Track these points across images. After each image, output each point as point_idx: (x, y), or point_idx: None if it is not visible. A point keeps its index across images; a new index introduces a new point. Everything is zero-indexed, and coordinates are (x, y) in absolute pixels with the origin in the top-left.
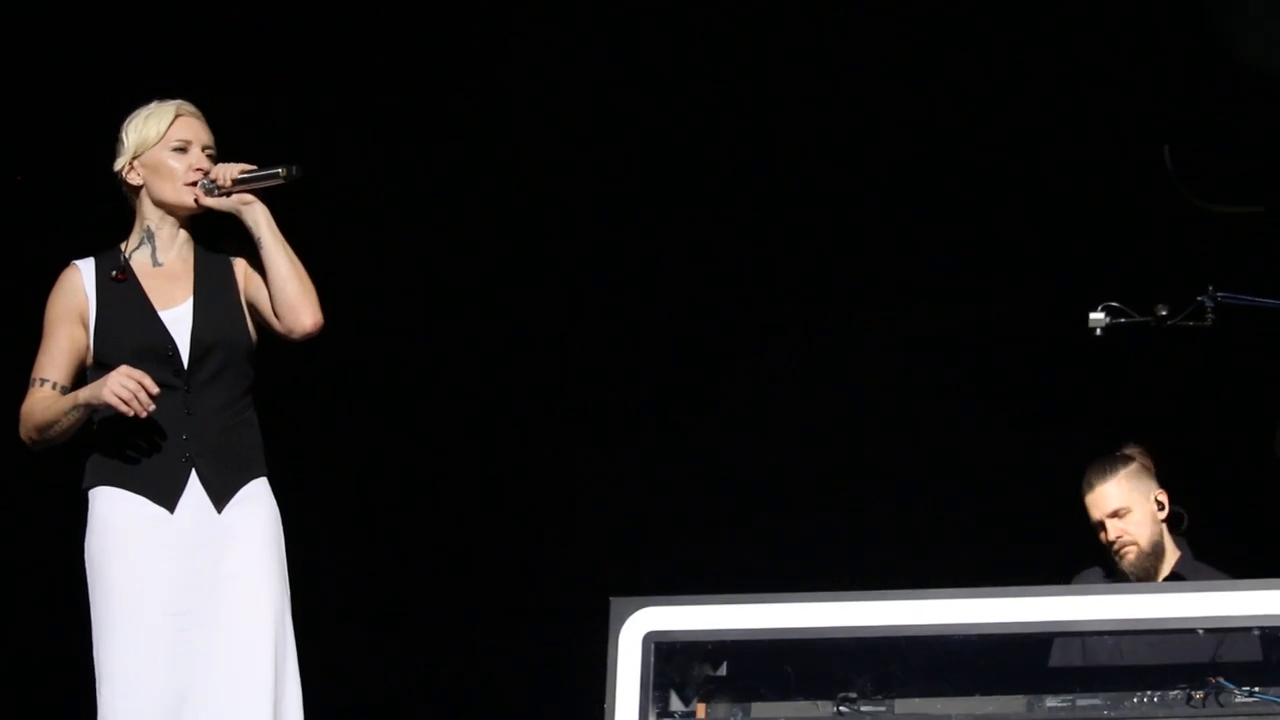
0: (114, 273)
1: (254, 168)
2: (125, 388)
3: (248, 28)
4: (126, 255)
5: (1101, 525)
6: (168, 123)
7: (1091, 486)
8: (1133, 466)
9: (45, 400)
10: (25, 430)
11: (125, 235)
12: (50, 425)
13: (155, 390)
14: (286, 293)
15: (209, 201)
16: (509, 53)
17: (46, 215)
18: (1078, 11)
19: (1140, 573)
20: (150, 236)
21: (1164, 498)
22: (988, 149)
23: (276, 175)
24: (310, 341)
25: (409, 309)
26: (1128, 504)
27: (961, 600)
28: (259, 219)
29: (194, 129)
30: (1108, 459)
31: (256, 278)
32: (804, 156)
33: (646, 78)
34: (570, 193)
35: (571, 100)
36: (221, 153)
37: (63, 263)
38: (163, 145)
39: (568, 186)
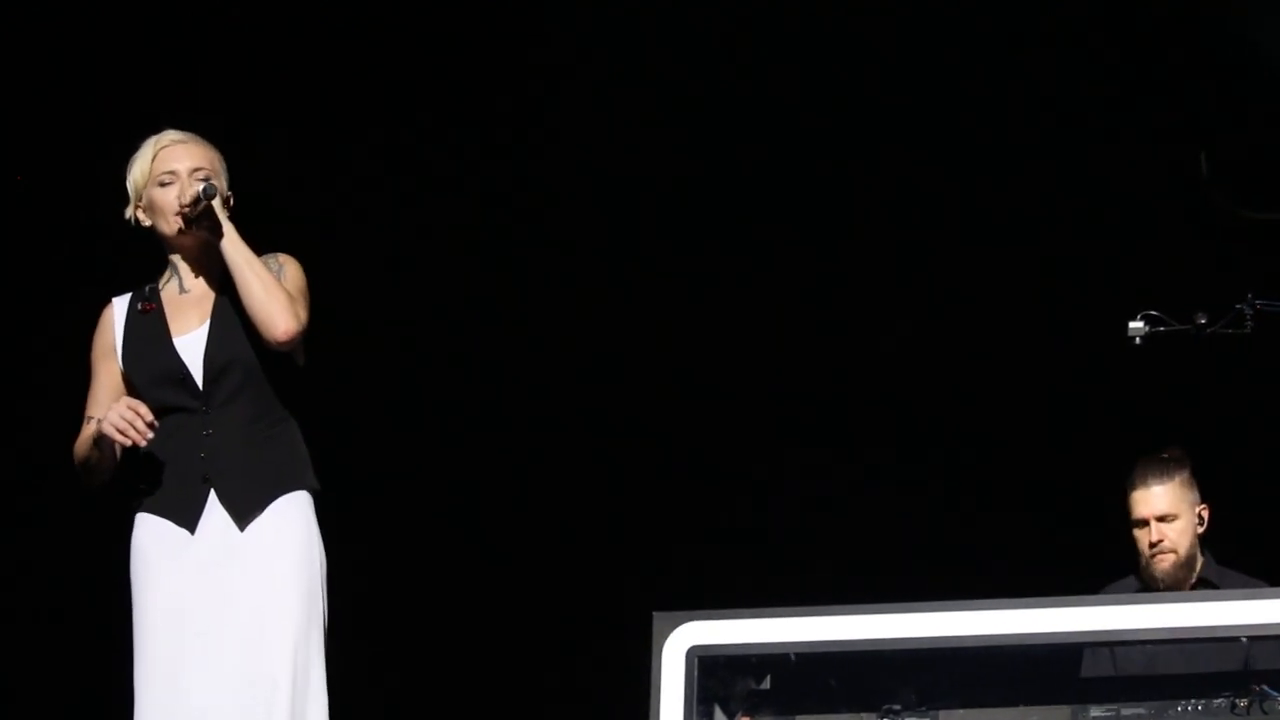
0: (140, 305)
1: (193, 196)
2: (122, 418)
3: (250, 34)
4: (159, 287)
5: (1144, 524)
6: (149, 160)
7: (1146, 485)
8: (1186, 474)
9: (82, 435)
10: (75, 467)
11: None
12: (86, 460)
13: (150, 418)
14: (254, 307)
15: (190, 232)
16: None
17: (45, 216)
18: (1111, 18)
19: (1171, 581)
20: (174, 268)
21: (1206, 514)
22: (1026, 159)
23: (199, 200)
24: (355, 355)
25: (450, 324)
26: (1176, 511)
27: (1004, 611)
28: (225, 239)
29: (176, 156)
30: (1163, 461)
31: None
32: (851, 155)
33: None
34: (617, 207)
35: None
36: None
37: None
38: (152, 183)
39: (621, 201)
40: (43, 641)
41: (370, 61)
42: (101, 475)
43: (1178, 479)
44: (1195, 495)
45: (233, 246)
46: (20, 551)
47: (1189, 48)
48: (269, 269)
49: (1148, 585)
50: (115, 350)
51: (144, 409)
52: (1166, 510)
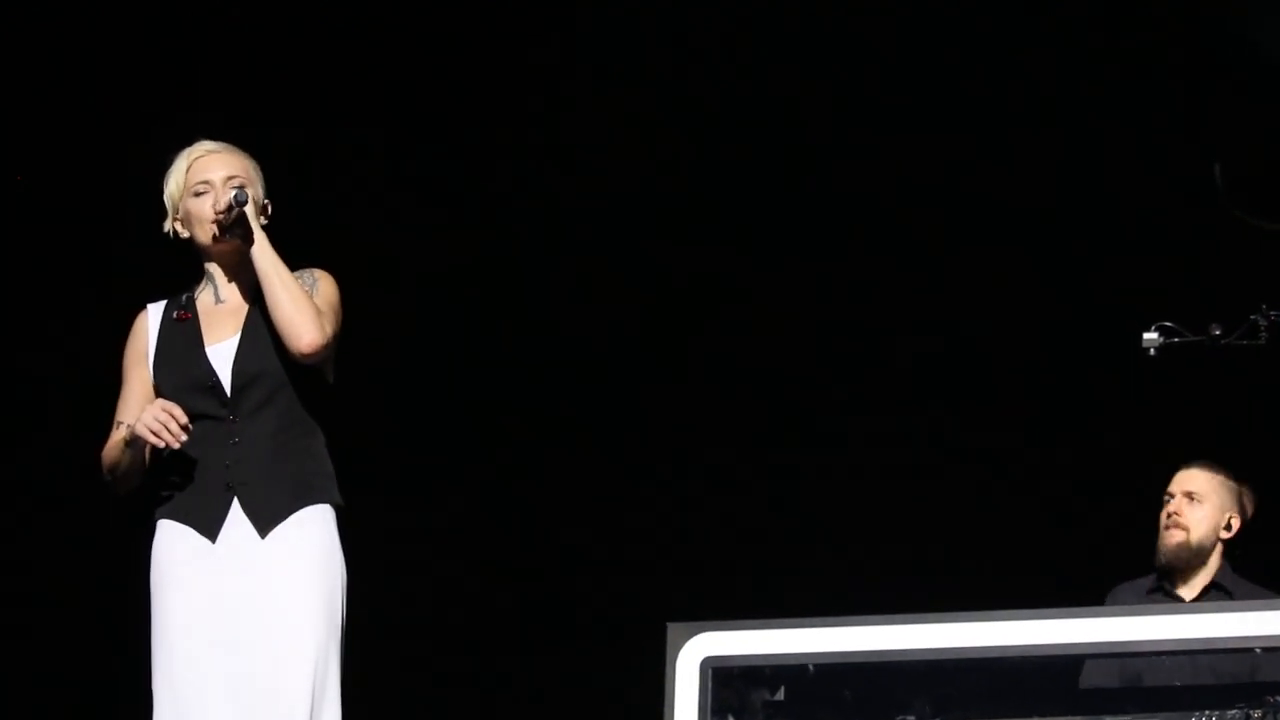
0: (175, 313)
1: (226, 204)
2: (155, 419)
3: (249, 33)
4: (195, 296)
5: (1171, 498)
6: (184, 171)
7: (1188, 466)
8: (1231, 479)
9: (112, 440)
10: (103, 473)
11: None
12: (115, 465)
13: (184, 420)
14: (280, 317)
15: (225, 240)
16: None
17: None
18: (1126, 27)
19: (1173, 560)
20: (210, 278)
21: (1237, 523)
22: (1040, 169)
23: (233, 207)
24: (354, 359)
25: (467, 329)
26: (1203, 495)
27: (1019, 622)
28: (256, 246)
29: (210, 165)
30: (1215, 460)
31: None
32: (862, 158)
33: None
34: (626, 213)
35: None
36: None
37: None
38: (187, 193)
39: (630, 206)
40: (57, 648)
41: (369, 60)
42: (131, 480)
43: (1220, 475)
44: (1230, 500)
45: (263, 255)
46: (37, 555)
47: (1194, 51)
48: (301, 281)
49: (1161, 580)
50: (148, 357)
51: (178, 411)
52: (1193, 489)
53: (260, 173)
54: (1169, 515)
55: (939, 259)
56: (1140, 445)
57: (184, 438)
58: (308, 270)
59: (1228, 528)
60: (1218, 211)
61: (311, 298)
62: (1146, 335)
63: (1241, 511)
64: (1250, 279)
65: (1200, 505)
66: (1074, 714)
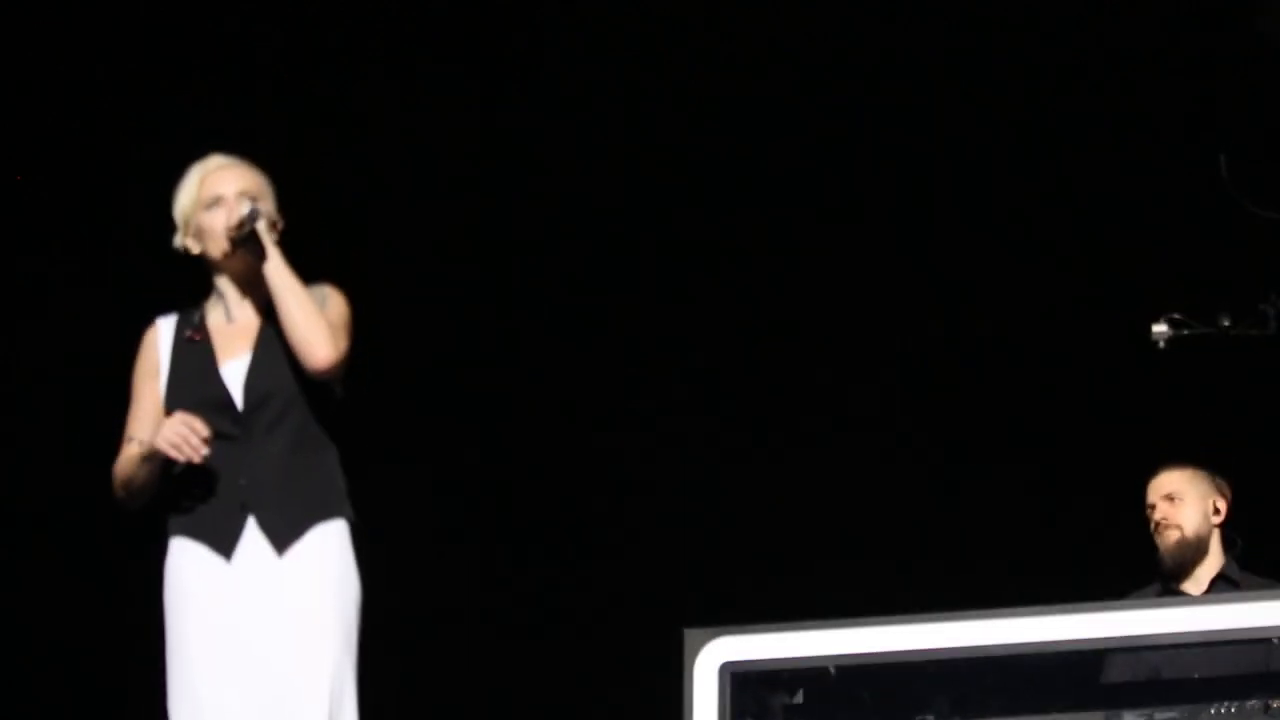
0: (188, 333)
1: (238, 219)
2: (176, 433)
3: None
4: (205, 312)
5: (1153, 507)
6: (196, 185)
7: (1155, 474)
8: (1199, 470)
9: (125, 455)
10: (115, 488)
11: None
12: (130, 480)
13: (206, 434)
14: (294, 333)
15: (237, 255)
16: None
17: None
18: (1131, 16)
19: (1176, 558)
20: (221, 296)
21: (1223, 505)
22: (1046, 161)
23: (244, 223)
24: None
25: (481, 333)
26: (1180, 491)
27: (1035, 618)
28: (268, 262)
29: (222, 180)
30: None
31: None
32: (860, 155)
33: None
34: (639, 221)
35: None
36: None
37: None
38: (199, 208)
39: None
40: (72, 667)
41: (370, 60)
42: (145, 495)
43: (1188, 470)
44: (1208, 487)
45: (275, 271)
46: (47, 574)
47: (1208, 45)
48: (312, 297)
49: (1166, 583)
50: (159, 375)
51: (199, 424)
52: (1171, 490)
53: (272, 188)
54: (1157, 522)
55: (945, 256)
56: (1153, 439)
57: (205, 451)
58: (316, 286)
59: (1216, 512)
60: (1225, 202)
61: (323, 313)
62: (1156, 327)
63: (1222, 494)
64: (1258, 269)
65: (1182, 501)
66: (1092, 708)
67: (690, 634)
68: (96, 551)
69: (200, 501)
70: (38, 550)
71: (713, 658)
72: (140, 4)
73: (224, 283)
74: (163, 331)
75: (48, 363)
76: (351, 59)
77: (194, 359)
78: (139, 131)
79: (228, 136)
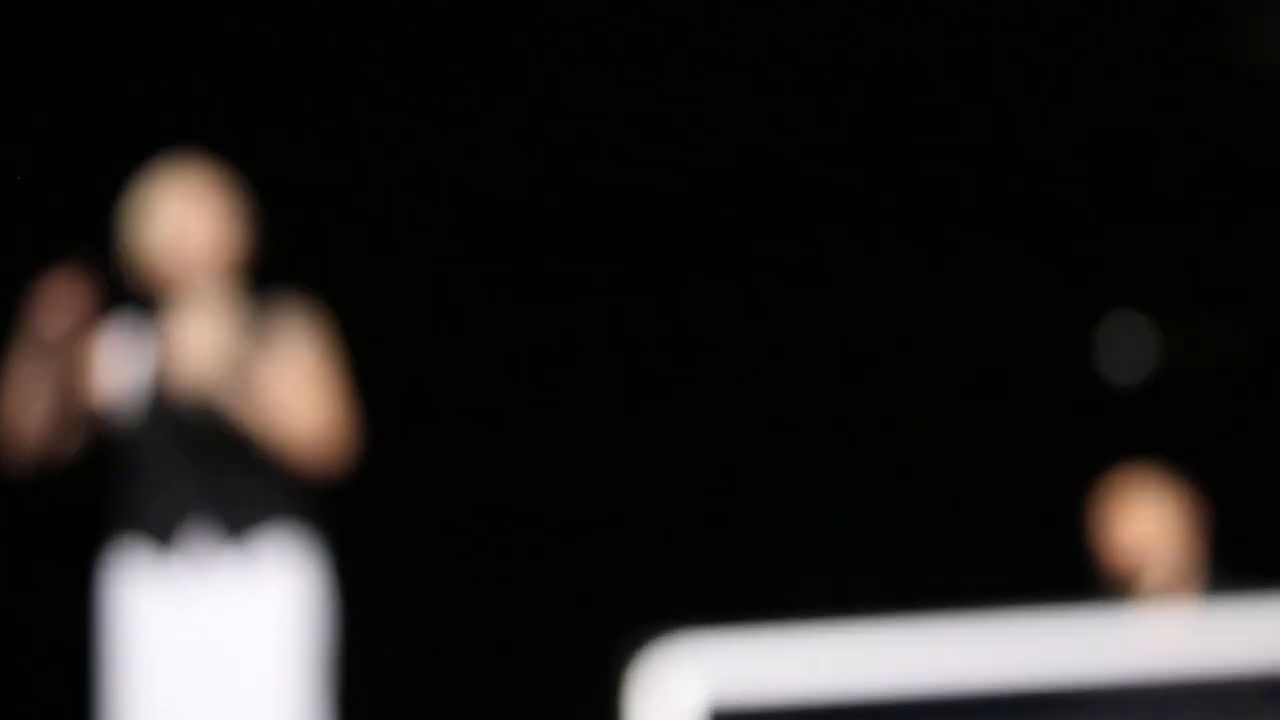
0: (140, 331)
1: None
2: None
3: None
4: (162, 316)
5: (1125, 543)
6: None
7: (1125, 519)
8: (1158, 492)
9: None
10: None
11: None
12: (23, 390)
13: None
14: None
15: None
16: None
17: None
18: (1132, 21)
19: (1160, 587)
20: (180, 304)
21: (1192, 518)
22: (1039, 167)
23: None
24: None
25: (468, 335)
26: (1149, 531)
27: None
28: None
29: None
30: (1130, 483)
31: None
32: (859, 154)
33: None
34: (637, 222)
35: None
36: None
37: None
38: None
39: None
40: (72, 667)
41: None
42: (37, 416)
43: (1151, 494)
44: (1173, 507)
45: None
46: (48, 575)
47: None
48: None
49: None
50: (103, 372)
51: (77, 282)
52: (1141, 531)
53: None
54: (1132, 555)
55: (938, 255)
56: (1154, 438)
57: (85, 302)
58: (298, 333)
59: (1190, 528)
60: (1215, 209)
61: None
62: (1145, 332)
63: (1188, 507)
64: (1247, 277)
65: (1157, 537)
66: None
67: (666, 642)
68: (97, 551)
69: (148, 510)
70: (38, 550)
71: (692, 685)
72: (140, 4)
73: (187, 296)
74: (113, 331)
75: None
76: (351, 59)
77: (146, 362)
78: (139, 131)
79: (228, 136)
